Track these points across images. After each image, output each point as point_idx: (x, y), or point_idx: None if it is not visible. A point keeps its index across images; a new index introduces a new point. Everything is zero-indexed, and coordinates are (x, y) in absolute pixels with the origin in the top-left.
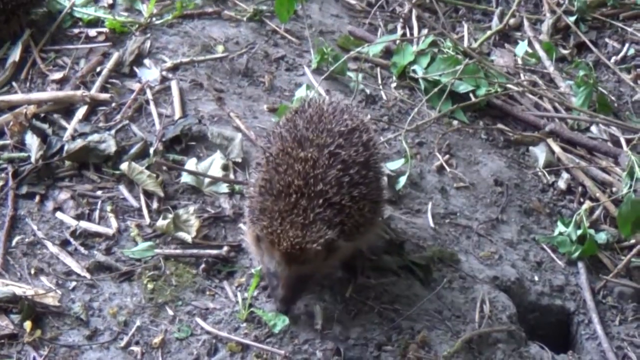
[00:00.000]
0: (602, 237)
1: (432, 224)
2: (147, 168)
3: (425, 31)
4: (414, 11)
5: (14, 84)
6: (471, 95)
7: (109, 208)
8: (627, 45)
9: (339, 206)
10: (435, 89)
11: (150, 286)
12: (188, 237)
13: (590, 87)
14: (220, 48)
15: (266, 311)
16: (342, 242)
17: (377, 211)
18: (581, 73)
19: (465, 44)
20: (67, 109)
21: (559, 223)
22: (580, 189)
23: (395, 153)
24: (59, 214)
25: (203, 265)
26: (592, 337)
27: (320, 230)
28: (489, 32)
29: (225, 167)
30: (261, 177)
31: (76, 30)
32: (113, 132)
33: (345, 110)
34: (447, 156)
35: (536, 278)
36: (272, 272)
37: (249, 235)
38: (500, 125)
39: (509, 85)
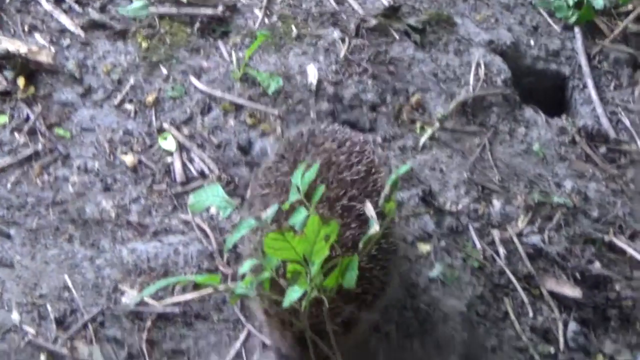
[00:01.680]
0: (599, 3)
1: None
2: None
3: None
4: None
5: None
6: None
7: None
8: None
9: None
10: None
11: (144, 45)
12: None
13: None
14: None
15: (261, 72)
16: (364, 315)
17: (397, 265)
18: None
19: None
20: None
21: None
22: None
23: None
24: None
25: (198, 24)
26: (586, 102)
27: (337, 306)
28: None
29: None
30: None
31: None
32: None
33: (357, 145)
34: None
35: (532, 42)
36: (285, 356)
37: (258, 307)
38: None
39: None
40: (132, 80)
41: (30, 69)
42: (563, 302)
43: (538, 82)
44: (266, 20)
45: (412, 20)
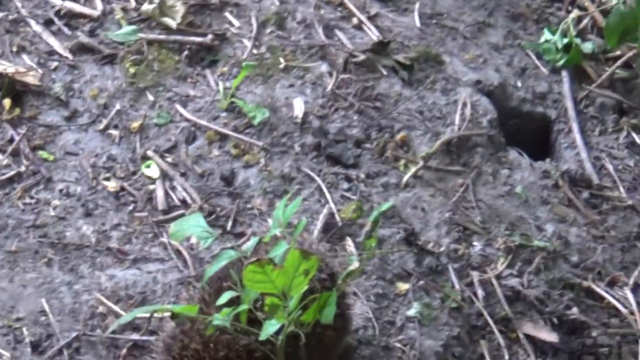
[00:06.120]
0: (588, 47)
1: (418, 24)
2: None
3: None
4: None
5: None
6: None
7: None
8: None
9: None
10: None
11: (132, 70)
12: (173, 23)
13: None
14: None
15: (247, 102)
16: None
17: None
18: None
19: None
20: None
21: (545, 30)
22: None
23: None
24: None
25: (186, 52)
26: (571, 146)
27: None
28: None
29: None
30: None
31: None
32: None
33: None
34: None
35: (519, 84)
36: None
37: None
38: None
39: None
40: (118, 106)
41: (16, 90)
42: (539, 347)
43: (523, 124)
44: (255, 51)
45: (400, 57)
